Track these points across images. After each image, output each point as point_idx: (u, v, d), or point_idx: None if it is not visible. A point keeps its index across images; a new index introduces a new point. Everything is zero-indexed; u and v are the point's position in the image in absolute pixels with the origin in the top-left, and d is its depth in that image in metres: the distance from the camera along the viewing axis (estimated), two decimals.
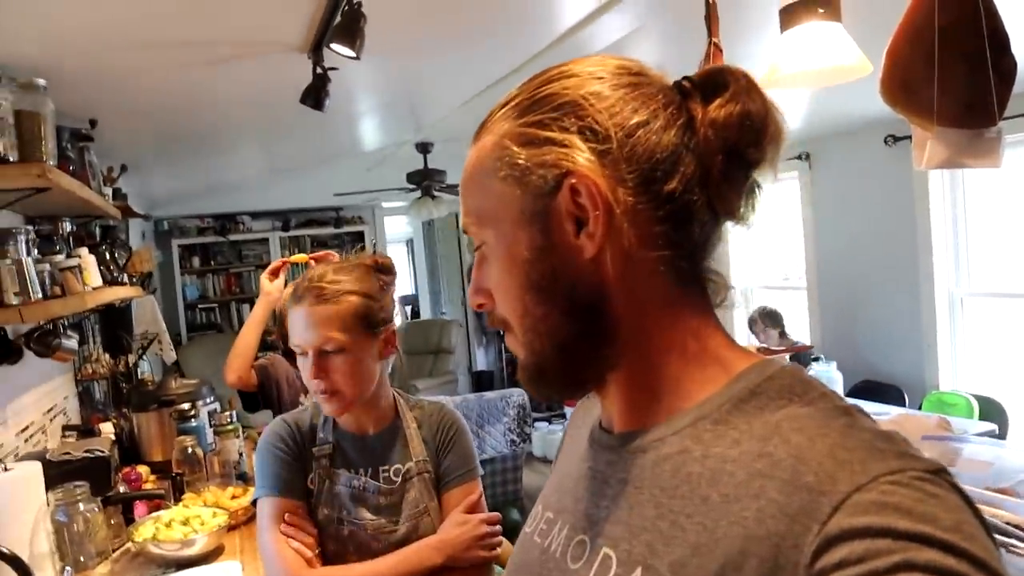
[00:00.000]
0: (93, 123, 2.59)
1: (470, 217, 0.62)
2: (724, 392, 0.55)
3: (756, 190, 0.58)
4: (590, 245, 0.55)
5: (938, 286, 4.15)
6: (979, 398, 3.70)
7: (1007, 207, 3.86)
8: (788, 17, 1.68)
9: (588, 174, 0.54)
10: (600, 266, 0.56)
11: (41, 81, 1.76)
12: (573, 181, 0.54)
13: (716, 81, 0.57)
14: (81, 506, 1.75)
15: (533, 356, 0.59)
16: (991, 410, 3.63)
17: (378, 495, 1.31)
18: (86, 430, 2.61)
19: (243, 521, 2.12)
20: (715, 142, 0.55)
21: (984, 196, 4.00)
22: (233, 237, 6.97)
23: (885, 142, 4.18)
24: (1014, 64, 1.54)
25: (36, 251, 2.05)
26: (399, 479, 1.33)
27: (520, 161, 0.57)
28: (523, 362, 0.61)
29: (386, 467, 1.34)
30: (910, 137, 4.12)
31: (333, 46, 1.88)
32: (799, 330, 4.86)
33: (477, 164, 0.61)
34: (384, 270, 1.38)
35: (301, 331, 1.28)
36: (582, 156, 0.55)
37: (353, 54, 1.87)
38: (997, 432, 3.34)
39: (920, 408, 3.86)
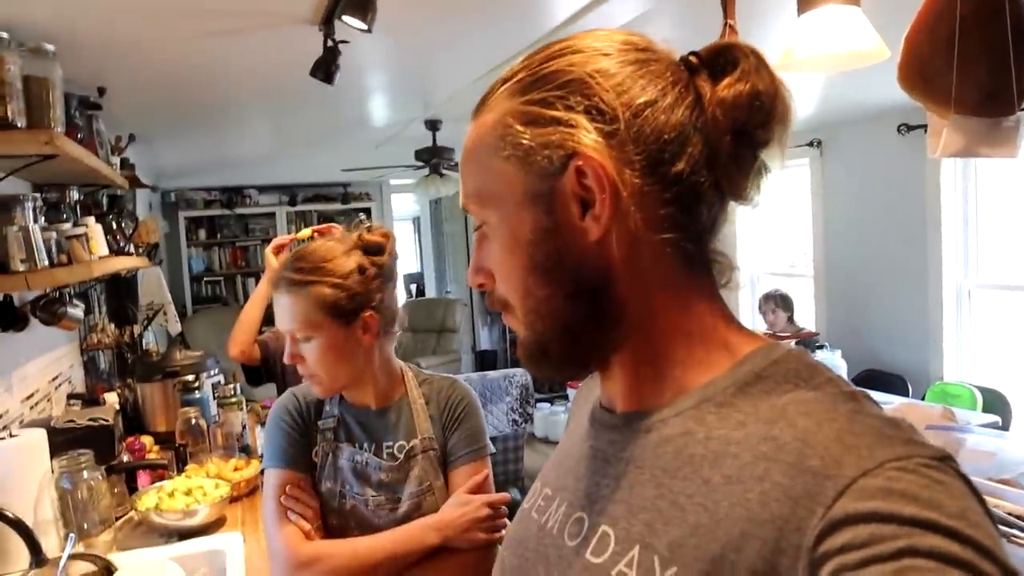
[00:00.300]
0: (102, 91, 2.58)
1: (471, 196, 0.60)
2: (729, 375, 0.55)
3: (763, 171, 0.57)
4: (596, 228, 0.54)
5: (946, 277, 4.13)
6: (983, 390, 3.69)
7: (1019, 199, 3.82)
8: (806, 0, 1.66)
9: (595, 155, 0.53)
10: (605, 248, 0.55)
11: (50, 46, 1.75)
12: (579, 163, 0.53)
13: (725, 58, 0.56)
14: (85, 474, 1.75)
15: (535, 336, 0.59)
16: (995, 402, 3.63)
17: (380, 471, 1.30)
18: (90, 399, 2.63)
19: (245, 493, 2.14)
20: (724, 122, 0.54)
21: (996, 188, 3.96)
22: (240, 211, 6.96)
23: (898, 131, 4.14)
24: None
25: (43, 219, 2.05)
26: (402, 456, 1.31)
27: (524, 141, 0.55)
28: (524, 341, 0.60)
29: (390, 443, 1.32)
30: (924, 126, 4.10)
31: (345, 18, 1.86)
32: (804, 317, 4.85)
33: (478, 142, 0.59)
34: (371, 250, 1.31)
35: (278, 317, 1.30)
36: (588, 137, 0.53)
37: (365, 27, 1.85)
38: (1000, 424, 3.34)
39: (923, 398, 3.86)
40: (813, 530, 0.43)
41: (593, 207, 0.54)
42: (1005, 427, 3.44)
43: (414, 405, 1.35)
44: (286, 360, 1.31)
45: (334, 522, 1.30)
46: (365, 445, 1.32)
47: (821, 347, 4.23)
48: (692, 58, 0.57)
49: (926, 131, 4.15)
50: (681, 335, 0.57)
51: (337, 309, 1.26)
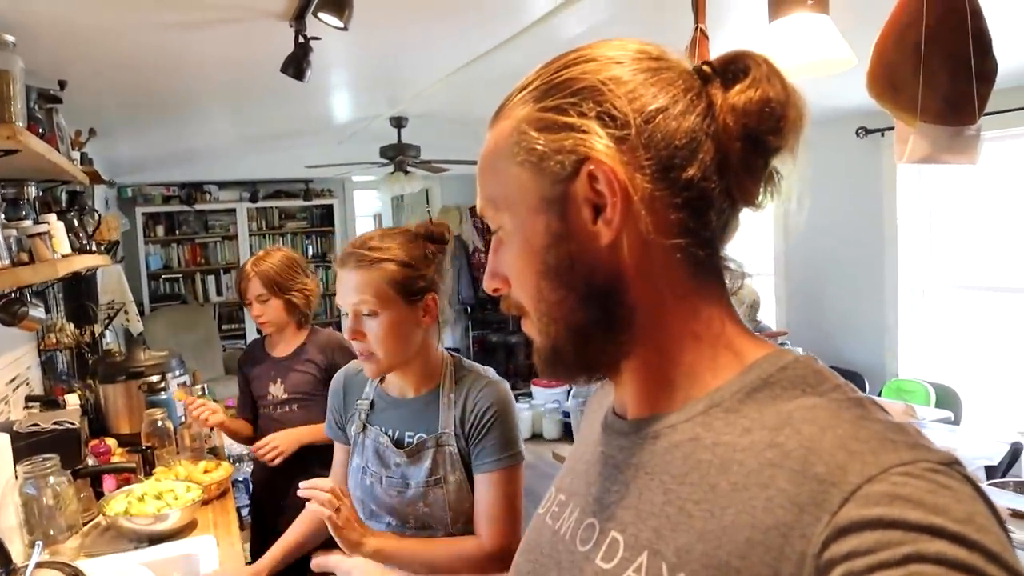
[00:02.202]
0: (62, 84, 2.50)
1: (487, 202, 0.61)
2: (737, 381, 0.55)
3: (775, 177, 0.58)
4: (607, 232, 0.55)
5: (902, 276, 4.25)
6: (936, 386, 3.82)
7: (972, 201, 3.96)
8: (777, 6, 1.69)
9: (606, 160, 0.54)
10: (617, 253, 0.56)
11: (10, 37, 1.69)
12: (591, 167, 0.54)
13: (737, 66, 0.57)
14: (51, 479, 1.71)
15: (548, 340, 0.59)
16: (947, 397, 3.76)
17: (395, 456, 1.36)
18: (50, 401, 2.54)
19: (216, 496, 2.10)
20: (734, 128, 0.55)
21: (950, 190, 4.09)
22: (199, 207, 6.81)
23: (856, 134, 4.25)
24: (995, 65, 1.58)
25: (2, 216, 1.98)
26: (414, 446, 1.36)
27: (538, 146, 0.56)
28: (538, 346, 0.61)
29: (412, 433, 1.37)
30: (881, 130, 4.22)
31: (320, 15, 1.84)
32: (765, 314, 4.94)
33: (494, 148, 0.60)
34: (434, 238, 1.40)
35: (342, 293, 1.35)
36: (600, 142, 0.54)
37: (341, 24, 1.83)
38: (953, 419, 3.46)
39: (880, 394, 3.98)
40: (818, 537, 0.44)
41: (604, 211, 0.55)
42: (956, 422, 3.56)
43: (442, 399, 1.38)
44: (347, 335, 1.35)
45: (358, 495, 1.40)
46: (391, 430, 1.39)
47: (783, 345, 4.32)
48: (705, 67, 0.58)
49: (883, 135, 4.27)
50: (690, 340, 0.58)
51: (405, 287, 1.33)
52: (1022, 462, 2.97)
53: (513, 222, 0.59)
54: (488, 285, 0.64)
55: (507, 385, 1.40)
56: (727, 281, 0.60)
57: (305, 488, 1.21)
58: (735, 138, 0.55)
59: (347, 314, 1.36)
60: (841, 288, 4.59)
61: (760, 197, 0.58)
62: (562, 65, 0.58)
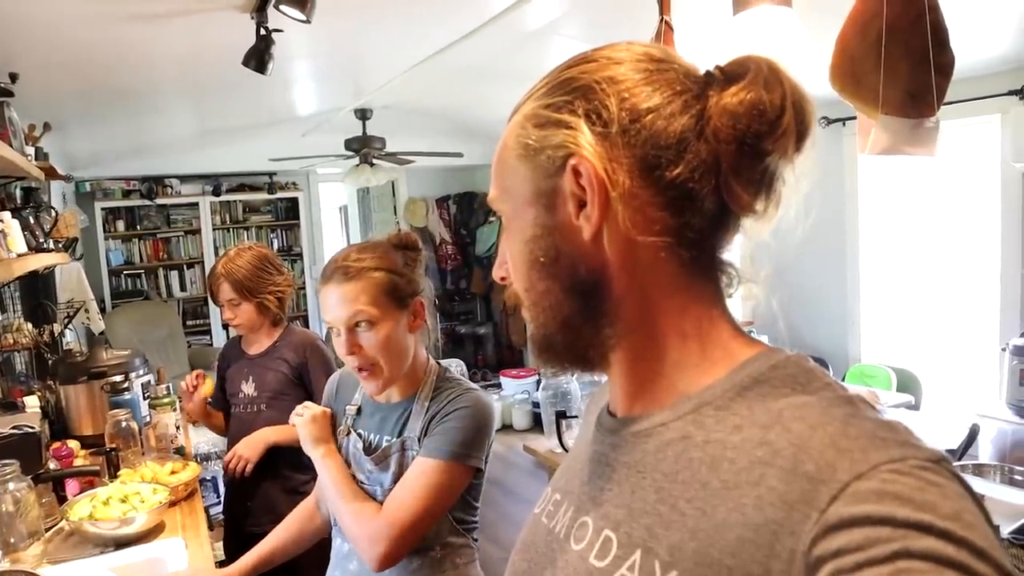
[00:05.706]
0: (13, 77, 2.42)
1: (496, 192, 0.64)
2: (728, 379, 0.56)
3: (775, 183, 0.57)
4: (587, 226, 0.56)
5: (864, 263, 4.34)
6: (896, 370, 3.91)
7: (933, 189, 4.05)
8: None
9: (588, 157, 0.55)
10: (600, 247, 0.57)
11: None
12: (574, 162, 0.56)
13: (740, 69, 0.56)
14: (10, 485, 1.66)
15: (539, 330, 0.62)
16: (907, 382, 3.85)
17: (366, 461, 1.37)
18: (8, 403, 2.48)
19: (184, 497, 2.07)
20: (724, 131, 0.55)
21: (912, 178, 4.18)
22: (161, 201, 6.66)
23: (819, 123, 4.31)
24: (952, 58, 1.61)
25: None
26: (380, 451, 1.36)
27: (531, 141, 0.59)
28: (532, 335, 0.63)
29: (389, 438, 1.38)
30: (843, 119, 4.28)
31: (282, 8, 1.81)
32: (731, 301, 5.01)
33: (503, 143, 0.63)
34: (408, 246, 1.42)
35: (331, 308, 1.32)
36: (584, 139, 0.55)
37: (303, 17, 1.80)
38: (913, 403, 3.55)
39: (844, 379, 4.06)
40: (808, 534, 0.44)
41: (586, 206, 0.56)
42: (916, 406, 3.65)
43: (417, 404, 1.37)
44: (343, 353, 1.31)
45: None
46: (370, 436, 1.40)
47: (750, 332, 4.39)
48: (715, 70, 0.58)
49: (844, 124, 4.33)
50: (678, 337, 0.58)
51: (396, 293, 1.33)
52: (979, 443, 3.06)
53: (511, 212, 0.62)
54: (496, 273, 0.66)
55: (491, 400, 1.38)
56: (723, 284, 0.61)
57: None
58: (727, 140, 0.55)
59: (338, 333, 1.31)
60: (805, 275, 4.66)
61: (757, 203, 0.57)
62: (567, 65, 0.60)
